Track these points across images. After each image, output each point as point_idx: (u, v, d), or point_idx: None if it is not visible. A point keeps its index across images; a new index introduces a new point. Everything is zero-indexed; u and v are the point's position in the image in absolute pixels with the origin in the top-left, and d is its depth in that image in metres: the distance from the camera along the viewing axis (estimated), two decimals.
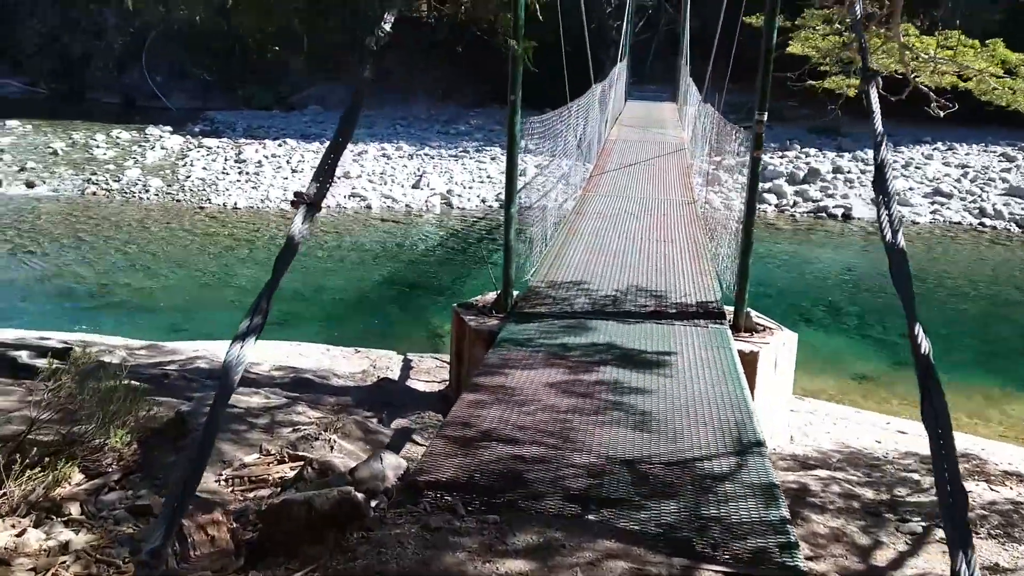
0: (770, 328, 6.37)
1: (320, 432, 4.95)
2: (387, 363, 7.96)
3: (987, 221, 21.30)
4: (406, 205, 21.63)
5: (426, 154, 27.22)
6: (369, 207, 21.31)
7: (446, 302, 13.61)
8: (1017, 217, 21.20)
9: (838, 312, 14.35)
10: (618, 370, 5.27)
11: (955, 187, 23.64)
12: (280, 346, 8.72)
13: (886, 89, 7.70)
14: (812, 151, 27.43)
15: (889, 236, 3.02)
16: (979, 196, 22.87)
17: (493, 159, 26.35)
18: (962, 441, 7.13)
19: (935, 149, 28.08)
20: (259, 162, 25.18)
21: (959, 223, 21.54)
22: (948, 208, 22.29)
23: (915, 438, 6.98)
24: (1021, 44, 6.85)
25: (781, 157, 26.60)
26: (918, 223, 21.54)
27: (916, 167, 25.76)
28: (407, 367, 7.89)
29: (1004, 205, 22.10)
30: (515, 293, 6.79)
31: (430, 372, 7.81)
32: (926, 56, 6.45)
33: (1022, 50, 6.68)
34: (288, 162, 25.28)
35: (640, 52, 37.67)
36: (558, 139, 9.26)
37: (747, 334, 6.25)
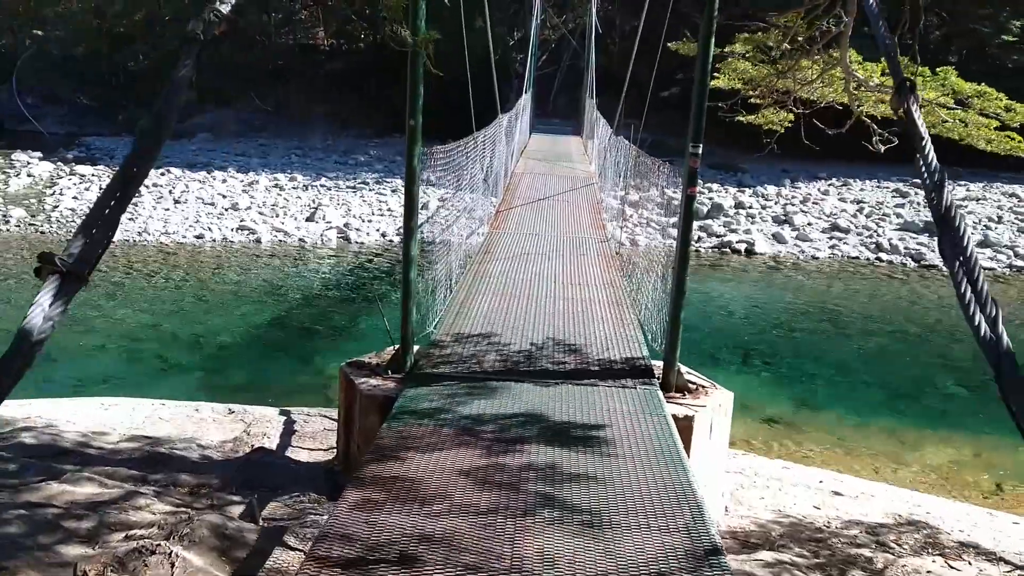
0: (703, 387, 5.64)
1: (161, 540, 3.84)
2: (265, 427, 6.83)
3: (883, 256, 21.68)
4: (299, 239, 20.35)
5: (322, 185, 25.97)
6: (259, 241, 19.92)
7: (340, 349, 12.49)
8: (912, 251, 21.66)
9: (747, 352, 13.99)
10: (545, 449, 4.38)
11: (852, 222, 24.09)
12: (140, 406, 7.46)
13: (823, 121, 7.29)
14: (715, 186, 27.60)
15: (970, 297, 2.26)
16: (875, 231, 23.34)
17: (394, 191, 25.35)
18: (903, 501, 6.57)
19: (831, 185, 28.75)
20: (138, 192, 23.35)
21: (857, 258, 21.84)
22: (846, 243, 22.61)
23: (851, 500, 6.38)
24: (976, 76, 6.50)
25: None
26: (817, 258, 21.71)
27: (814, 202, 26.20)
28: (288, 431, 6.79)
29: (899, 240, 22.59)
30: (415, 348, 5.83)
31: (316, 437, 6.73)
32: (875, 83, 5.93)
33: (976, 80, 6.27)
34: (171, 192, 23.60)
35: (544, 86, 37.54)
36: (463, 171, 8.42)
37: (679, 394, 5.48)
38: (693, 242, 23.26)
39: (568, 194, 14.92)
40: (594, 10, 27.16)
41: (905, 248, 21.93)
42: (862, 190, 28.24)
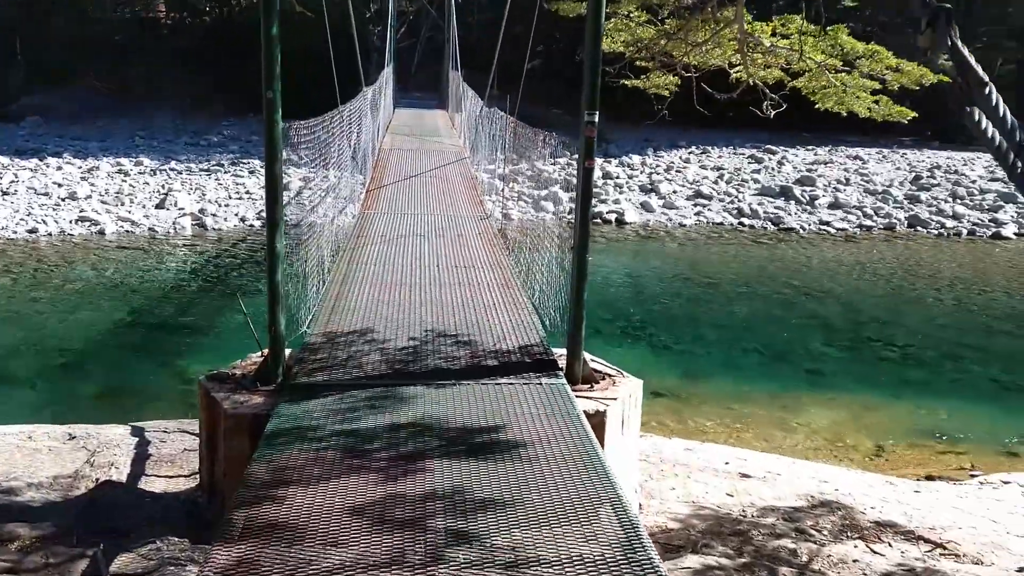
0: (611, 375, 5.21)
1: None
2: (113, 453, 5.89)
3: (745, 221, 22.24)
4: (149, 228, 18.72)
5: (172, 169, 24.08)
6: (102, 232, 18.18)
7: (201, 349, 11.37)
8: (771, 216, 22.32)
9: (627, 324, 13.93)
10: (449, 468, 3.78)
11: (713, 189, 24.63)
12: None
13: (711, 84, 6.98)
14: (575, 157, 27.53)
15: None
16: (736, 197, 23.95)
17: (252, 172, 23.85)
18: (809, 478, 6.43)
19: (691, 153, 29.35)
20: None
21: (721, 223, 22.32)
22: (710, 209, 23.07)
23: (761, 483, 6.18)
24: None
25: (553, 164, 26.46)
26: (685, 225, 22.05)
27: (677, 171, 26.66)
28: (142, 456, 5.89)
29: (759, 205, 23.28)
30: (287, 352, 5.09)
31: (174, 460, 5.86)
32: (766, 45, 5.62)
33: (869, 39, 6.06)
34: None
35: (404, 60, 36.41)
36: (329, 148, 7.61)
37: (586, 386, 5.02)
38: (566, 215, 23.02)
39: (441, 170, 14.27)
40: None
41: (764, 213, 22.59)
42: (720, 157, 28.97)
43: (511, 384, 4.87)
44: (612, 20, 6.26)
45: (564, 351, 5.29)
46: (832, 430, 9.86)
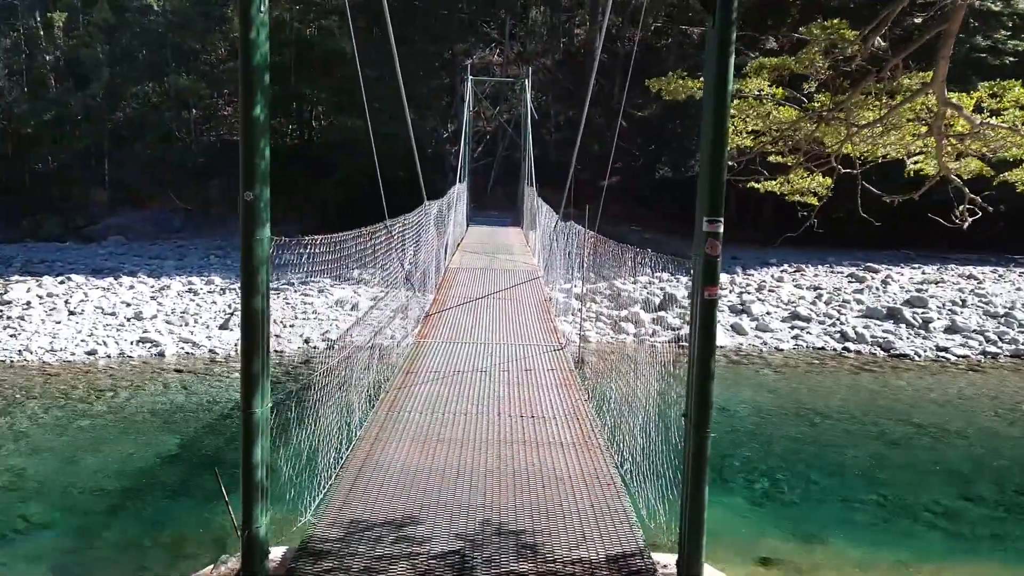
0: None
1: None
2: None
3: (851, 345, 20.16)
4: (210, 351, 17.89)
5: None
6: (162, 354, 17.41)
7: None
8: (879, 340, 20.18)
9: (720, 468, 11.98)
10: None
11: (812, 310, 22.68)
12: None
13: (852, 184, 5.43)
14: (664, 275, 26.07)
15: None
16: (837, 319, 21.93)
17: (320, 292, 23.15)
18: None
19: (783, 271, 27.54)
20: (28, 303, 20.66)
21: (823, 348, 20.28)
22: (809, 332, 21.09)
23: None
24: None
25: (634, 283, 25.01)
26: (781, 350, 20.09)
27: (769, 290, 24.82)
28: None
29: (864, 328, 21.18)
30: (280, 553, 3.58)
31: None
32: (969, 125, 4.10)
33: None
34: (67, 303, 20.96)
35: (481, 178, 36.20)
36: (368, 265, 6.36)
37: None
38: (648, 337, 21.24)
39: (511, 290, 12.99)
40: (529, 98, 26.00)
41: (872, 337, 20.48)
42: (816, 276, 27.07)
43: None
44: (735, 101, 4.84)
45: (671, 560, 3.62)
46: None
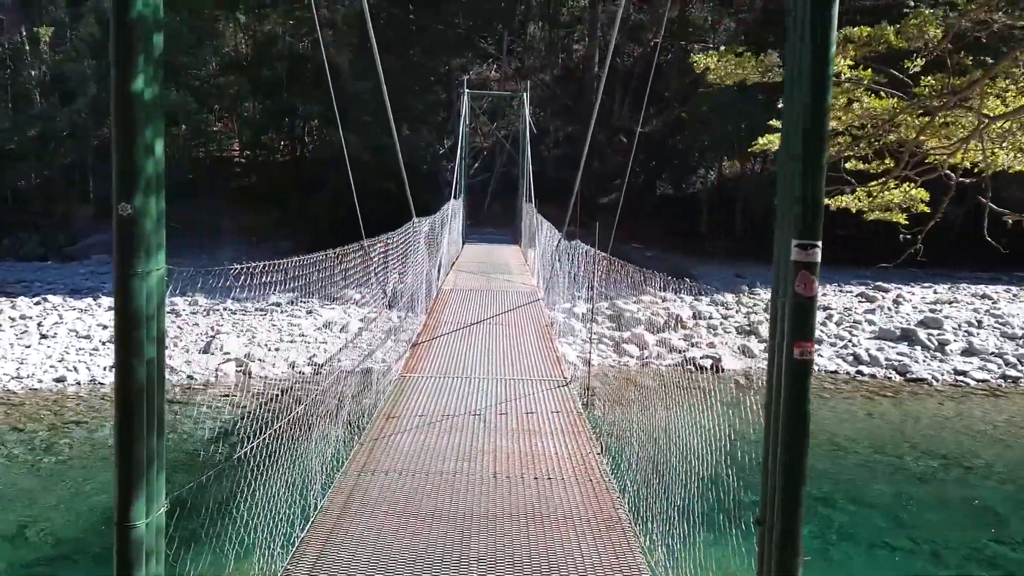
0: None
1: None
2: None
3: (864, 369, 19.20)
4: (188, 376, 16.88)
5: (227, 308, 22.54)
6: None
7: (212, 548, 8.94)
8: (895, 363, 19.22)
9: (728, 499, 10.94)
10: None
11: (823, 331, 21.67)
12: None
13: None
14: (668, 295, 25.06)
15: None
16: (849, 341, 20.96)
17: (309, 312, 22.12)
18: None
19: None
20: None
21: (836, 372, 19.32)
22: (821, 355, 20.11)
23: None
24: None
25: (636, 303, 24.01)
26: None
27: None
28: None
29: (878, 350, 20.22)
30: None
31: None
32: None
33: None
34: (40, 325, 19.89)
35: (477, 195, 35.25)
36: (333, 287, 5.39)
37: None
38: (653, 360, 20.10)
39: (509, 315, 11.98)
40: (528, 112, 25.11)
41: (887, 360, 19.52)
42: (824, 295, 26.07)
43: None
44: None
45: None
46: None
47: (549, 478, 4.91)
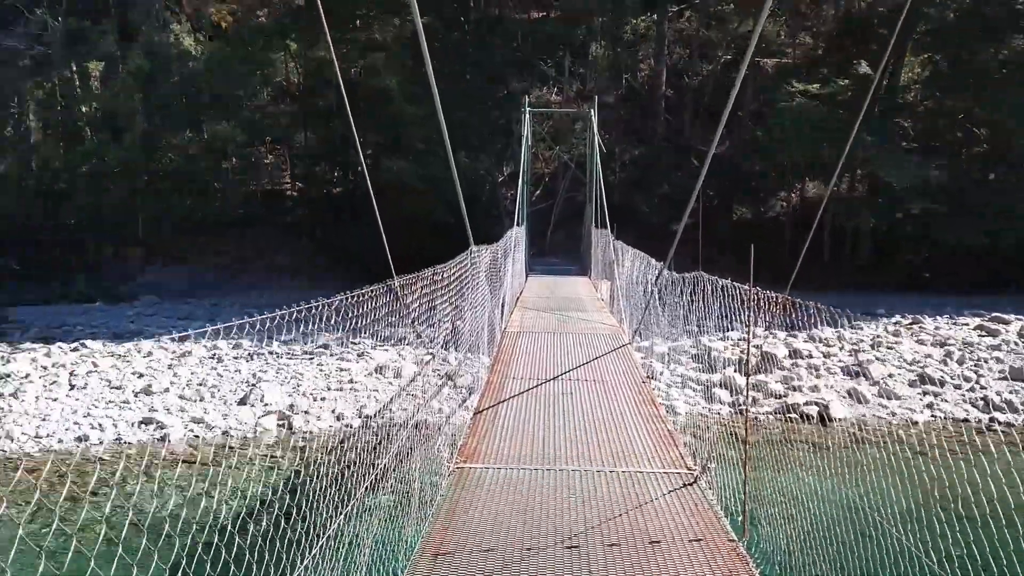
0: None
1: None
2: None
3: (998, 416, 16.25)
4: (223, 432, 14.97)
5: (272, 352, 20.72)
6: (165, 438, 14.48)
7: None
8: None
9: None
10: None
11: (943, 371, 18.76)
12: None
13: None
14: (757, 330, 22.34)
15: None
16: (976, 383, 18.01)
17: (360, 355, 20.17)
18: None
19: (896, 324, 23.57)
20: (27, 376, 18.08)
21: (966, 419, 16.42)
22: (944, 400, 17.30)
23: None
24: None
25: (722, 339, 21.39)
26: (916, 423, 16.25)
27: (887, 346, 20.93)
28: None
29: (1011, 393, 17.27)
30: None
31: None
32: None
33: None
34: (72, 375, 18.28)
35: (539, 222, 33.07)
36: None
37: None
38: (751, 406, 17.39)
39: (594, 365, 9.66)
40: (596, 130, 22.93)
41: (1023, 404, 16.54)
42: (938, 329, 23.05)
43: None
44: None
45: None
46: None
47: None
